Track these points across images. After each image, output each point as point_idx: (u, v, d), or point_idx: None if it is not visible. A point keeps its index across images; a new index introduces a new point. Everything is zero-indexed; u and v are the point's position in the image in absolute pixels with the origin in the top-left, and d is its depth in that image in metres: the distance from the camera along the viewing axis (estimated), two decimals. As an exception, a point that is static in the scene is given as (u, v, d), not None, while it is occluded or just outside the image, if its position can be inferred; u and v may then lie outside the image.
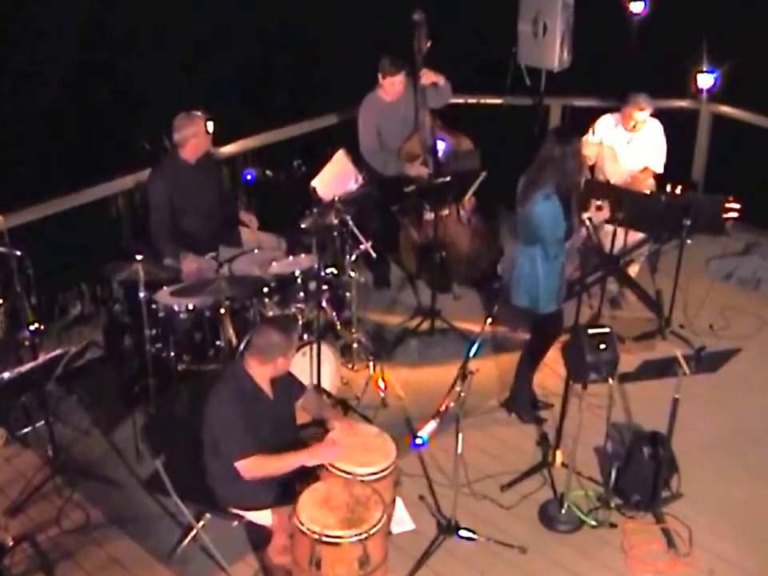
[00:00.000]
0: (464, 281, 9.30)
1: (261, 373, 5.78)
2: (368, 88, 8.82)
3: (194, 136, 7.62)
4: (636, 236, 8.43)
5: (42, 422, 7.13)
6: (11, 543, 6.07)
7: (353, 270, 7.88)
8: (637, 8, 9.52)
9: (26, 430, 7.27)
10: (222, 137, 8.52)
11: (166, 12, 10.86)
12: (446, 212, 8.90)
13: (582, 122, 8.76)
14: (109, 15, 12.46)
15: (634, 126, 8.40)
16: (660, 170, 8.54)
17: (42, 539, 6.28)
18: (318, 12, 12.89)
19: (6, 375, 5.43)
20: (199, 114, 7.67)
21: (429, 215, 8.84)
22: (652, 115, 8.45)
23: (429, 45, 8.56)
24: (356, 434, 5.95)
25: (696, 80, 9.83)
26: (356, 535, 5.22)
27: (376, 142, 8.76)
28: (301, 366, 6.90)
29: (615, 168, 8.55)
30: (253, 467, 5.63)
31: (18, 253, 6.92)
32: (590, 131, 8.62)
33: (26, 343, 7.01)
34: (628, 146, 8.50)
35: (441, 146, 8.81)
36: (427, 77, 8.63)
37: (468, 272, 9.30)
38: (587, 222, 6.16)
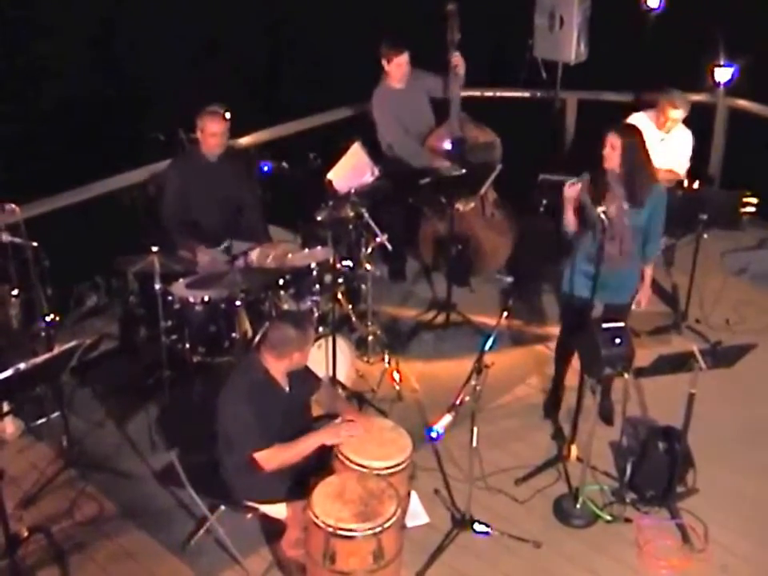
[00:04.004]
0: (482, 274, 9.29)
1: (276, 367, 5.77)
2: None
3: (210, 134, 7.61)
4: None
5: (57, 414, 7.17)
6: (25, 534, 6.08)
7: (368, 263, 7.88)
8: (653, 2, 9.48)
9: (40, 422, 7.29)
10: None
11: (176, 9, 10.87)
12: (471, 205, 8.91)
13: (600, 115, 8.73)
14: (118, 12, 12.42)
15: (665, 123, 8.29)
16: (682, 174, 8.43)
17: (55, 531, 6.30)
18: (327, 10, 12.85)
19: (22, 366, 5.42)
20: (220, 111, 7.65)
21: (460, 206, 8.84)
22: (684, 122, 8.37)
23: (460, 36, 8.58)
24: (371, 428, 5.94)
25: (713, 74, 9.77)
26: (370, 529, 5.20)
27: (398, 131, 8.75)
28: (316, 359, 6.88)
29: None
30: (272, 457, 5.63)
31: (34, 244, 6.92)
32: None
33: (42, 335, 7.00)
34: (661, 143, 8.34)
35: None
36: (456, 59, 8.64)
37: (487, 266, 9.30)
38: (602, 216, 6.11)
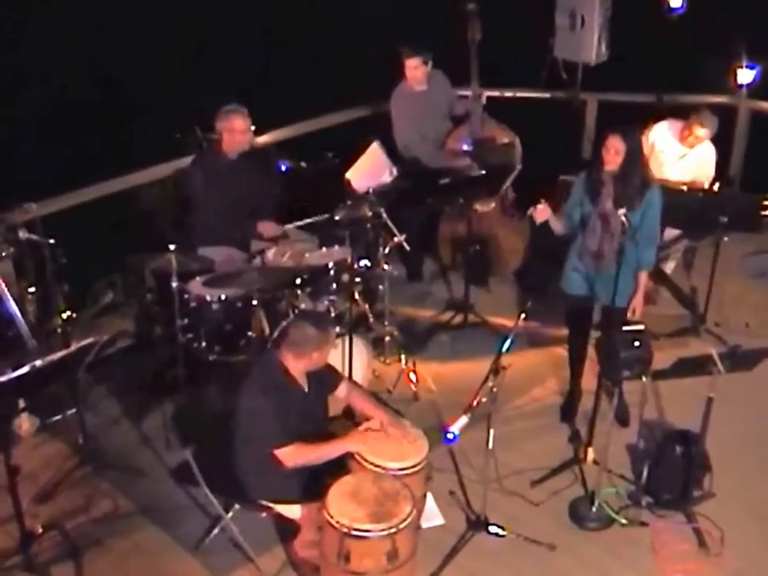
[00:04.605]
0: (501, 275, 9.28)
1: (296, 366, 5.76)
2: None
3: (240, 130, 7.63)
4: (672, 233, 8.35)
5: (72, 411, 7.18)
6: (40, 531, 6.10)
7: (386, 263, 7.86)
8: (675, 2, 9.43)
9: (56, 418, 7.30)
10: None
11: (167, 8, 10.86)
12: (490, 205, 8.91)
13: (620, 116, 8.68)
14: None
15: (688, 138, 8.22)
16: (706, 186, 8.33)
17: (70, 527, 6.31)
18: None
19: (38, 363, 5.42)
20: (239, 109, 7.65)
21: (479, 207, 8.84)
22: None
23: (480, 36, 8.60)
24: (397, 430, 5.92)
25: (735, 75, 9.72)
26: (384, 529, 5.19)
27: (412, 133, 8.76)
28: (333, 358, 6.84)
29: (663, 174, 8.35)
30: (293, 455, 5.62)
31: (51, 241, 6.92)
32: (644, 135, 8.44)
33: (58, 331, 7.00)
34: (681, 159, 8.30)
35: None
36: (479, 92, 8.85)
37: (506, 266, 9.28)
38: (623, 218, 6.08)
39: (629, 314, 6.82)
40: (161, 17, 10.65)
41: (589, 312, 6.99)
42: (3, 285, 6.75)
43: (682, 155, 8.27)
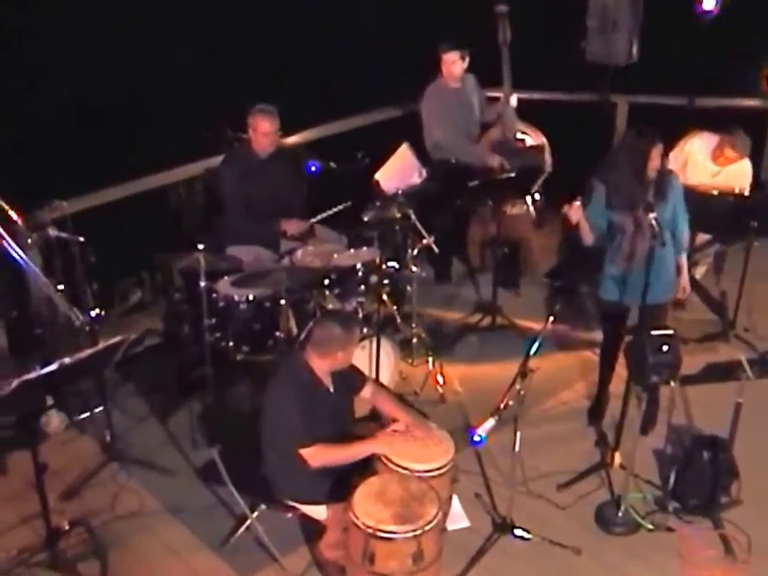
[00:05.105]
0: (531, 276, 9.27)
1: (320, 365, 5.76)
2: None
3: (263, 132, 7.65)
4: (702, 237, 8.31)
5: (100, 408, 7.21)
6: (66, 528, 6.12)
7: (414, 264, 7.85)
8: (709, 5, 9.38)
9: (83, 416, 7.35)
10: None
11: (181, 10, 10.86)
12: (520, 207, 8.93)
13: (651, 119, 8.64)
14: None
15: (719, 158, 8.18)
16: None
17: (96, 524, 6.33)
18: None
19: (66, 361, 5.44)
20: (266, 110, 7.66)
21: (509, 209, 8.83)
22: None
23: (510, 37, 8.61)
24: (421, 432, 5.92)
25: (767, 79, 9.66)
26: (410, 531, 5.18)
27: (446, 126, 8.76)
28: (359, 360, 6.84)
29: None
30: (318, 455, 5.62)
31: (81, 239, 6.94)
32: (679, 145, 8.41)
33: (86, 329, 7.03)
34: (712, 178, 8.24)
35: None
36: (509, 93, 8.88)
37: (536, 268, 9.27)
38: (653, 222, 6.05)
39: (680, 294, 6.90)
40: (178, 16, 10.67)
41: (624, 318, 6.95)
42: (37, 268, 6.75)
43: (713, 174, 8.23)
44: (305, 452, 5.61)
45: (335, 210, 7.83)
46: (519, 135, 9.06)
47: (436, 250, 8.03)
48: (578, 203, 6.60)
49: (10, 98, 9.22)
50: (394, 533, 5.18)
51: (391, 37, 11.07)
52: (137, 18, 10.22)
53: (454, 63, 8.71)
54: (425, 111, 8.86)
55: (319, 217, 7.88)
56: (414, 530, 5.19)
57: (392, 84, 10.21)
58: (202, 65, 10.92)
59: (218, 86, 10.84)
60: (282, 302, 7.08)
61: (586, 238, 6.70)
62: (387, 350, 7.36)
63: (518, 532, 6.21)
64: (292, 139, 9.25)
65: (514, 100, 8.99)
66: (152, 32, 10.24)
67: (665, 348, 5.91)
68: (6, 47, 9.54)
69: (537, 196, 9.09)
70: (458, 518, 6.21)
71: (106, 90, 10.05)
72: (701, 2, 9.20)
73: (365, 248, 7.73)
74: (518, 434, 5.92)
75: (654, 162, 6.37)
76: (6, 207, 6.38)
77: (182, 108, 10.47)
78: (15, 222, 6.45)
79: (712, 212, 7.75)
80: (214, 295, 7.13)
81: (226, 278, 7.22)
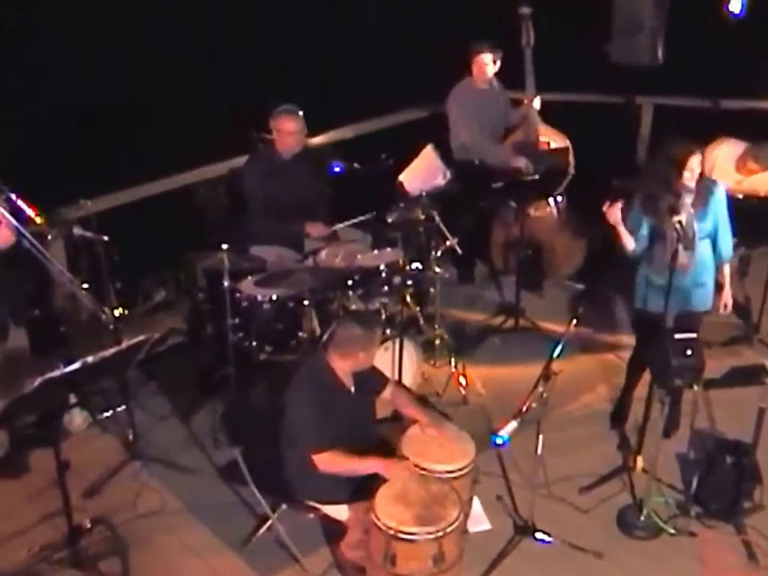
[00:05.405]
0: (555, 278, 9.26)
1: (342, 366, 5.76)
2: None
3: (288, 132, 7.67)
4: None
5: (123, 407, 7.23)
6: (88, 525, 6.15)
7: (437, 266, 7.85)
8: (735, 7, 9.32)
9: (106, 414, 7.38)
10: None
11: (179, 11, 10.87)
12: (544, 210, 8.91)
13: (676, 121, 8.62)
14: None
15: (741, 168, 8.15)
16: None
17: (117, 523, 6.36)
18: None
19: (90, 359, 5.45)
20: (290, 110, 7.67)
21: (532, 211, 8.83)
22: None
23: (534, 39, 8.62)
24: (441, 434, 5.92)
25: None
26: (431, 533, 5.18)
27: (476, 127, 8.74)
28: (382, 361, 6.85)
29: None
30: (328, 461, 5.61)
31: (105, 238, 6.97)
32: (708, 150, 8.34)
33: (110, 328, 7.05)
34: (736, 185, 8.16)
35: None
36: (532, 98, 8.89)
37: (560, 270, 9.26)
38: (677, 226, 6.02)
39: (721, 310, 6.84)
40: (178, 16, 10.69)
41: (659, 326, 6.90)
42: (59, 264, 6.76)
43: (740, 180, 8.18)
44: (316, 457, 5.61)
45: (359, 219, 7.83)
46: (543, 138, 9.05)
47: (459, 251, 8.01)
48: (619, 204, 6.54)
49: (9, 98, 9.24)
50: (415, 534, 5.17)
51: (391, 37, 11.05)
52: (137, 18, 10.23)
53: (488, 65, 8.74)
54: (453, 109, 8.86)
55: (342, 225, 7.87)
56: (436, 532, 5.18)
57: (392, 84, 10.23)
58: (202, 65, 10.93)
59: (218, 86, 10.86)
60: (306, 302, 7.09)
61: (627, 244, 6.63)
62: (410, 351, 7.36)
63: (539, 535, 6.20)
64: (317, 140, 9.26)
65: (537, 102, 8.97)
66: (152, 32, 10.25)
67: (688, 351, 5.89)
68: (6, 47, 9.56)
69: (560, 198, 9.08)
70: (479, 520, 6.20)
71: (106, 90, 10.07)
72: (728, 1, 9.15)
73: (388, 249, 7.74)
74: (541, 436, 5.91)
75: (693, 171, 6.33)
76: (24, 204, 6.39)
77: (182, 108, 10.49)
78: (33, 220, 6.46)
79: (737, 215, 7.70)
80: (238, 295, 7.15)
81: (249, 277, 7.24)
